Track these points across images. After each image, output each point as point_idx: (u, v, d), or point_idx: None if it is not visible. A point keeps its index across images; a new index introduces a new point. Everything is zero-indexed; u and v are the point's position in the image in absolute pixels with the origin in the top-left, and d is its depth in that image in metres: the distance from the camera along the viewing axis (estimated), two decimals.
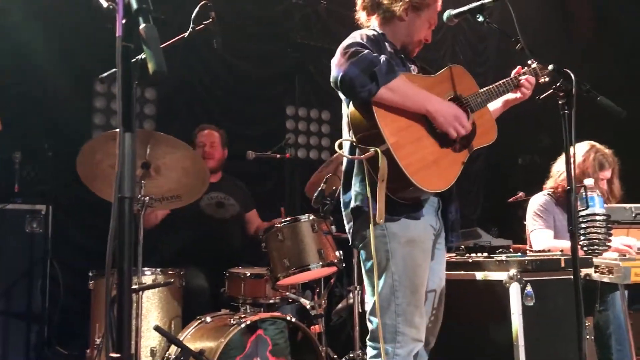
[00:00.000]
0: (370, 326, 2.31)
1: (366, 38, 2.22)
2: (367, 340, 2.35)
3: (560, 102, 1.98)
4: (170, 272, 3.46)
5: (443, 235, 2.42)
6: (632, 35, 6.87)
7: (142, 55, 1.28)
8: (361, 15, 2.47)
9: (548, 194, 3.63)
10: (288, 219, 3.27)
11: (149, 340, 3.28)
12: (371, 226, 2.13)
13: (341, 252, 3.25)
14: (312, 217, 3.24)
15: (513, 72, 2.52)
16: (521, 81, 2.48)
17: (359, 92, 2.06)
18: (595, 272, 2.91)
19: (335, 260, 3.19)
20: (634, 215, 4.18)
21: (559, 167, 3.61)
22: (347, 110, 2.23)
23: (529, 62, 2.51)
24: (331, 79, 2.14)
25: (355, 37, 2.22)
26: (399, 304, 2.22)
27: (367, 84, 2.05)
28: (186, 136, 3.86)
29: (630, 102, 2.51)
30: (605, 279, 2.88)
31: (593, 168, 3.45)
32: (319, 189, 3.25)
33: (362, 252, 2.33)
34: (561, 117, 2.04)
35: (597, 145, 3.55)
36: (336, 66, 2.11)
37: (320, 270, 3.20)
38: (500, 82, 2.44)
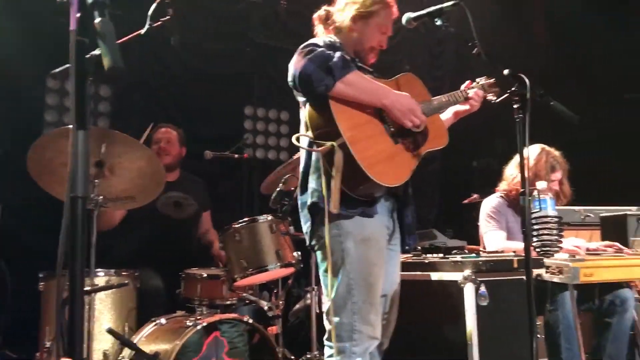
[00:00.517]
0: (327, 326, 2.33)
1: (323, 42, 2.30)
2: (324, 340, 2.36)
3: (515, 107, 2.02)
4: (124, 273, 3.38)
5: (397, 237, 2.48)
6: (586, 43, 7.11)
7: (97, 51, 1.25)
8: (318, 29, 2.55)
9: (501, 196, 3.71)
10: (245, 219, 3.24)
11: (102, 343, 3.21)
12: (326, 223, 2.17)
13: (299, 252, 3.25)
14: (270, 217, 3.23)
15: (462, 86, 2.65)
16: (469, 94, 2.61)
17: (316, 87, 2.12)
18: (547, 272, 2.98)
19: (293, 261, 3.20)
20: (582, 217, 4.33)
21: (511, 170, 3.69)
22: (305, 111, 2.27)
23: (477, 79, 2.68)
24: (289, 78, 2.21)
25: (312, 40, 2.32)
26: (355, 302, 2.25)
27: (323, 78, 2.10)
28: (142, 135, 3.79)
29: (582, 106, 2.59)
30: (556, 279, 2.95)
31: (545, 170, 3.54)
32: (278, 189, 3.25)
33: (318, 252, 2.36)
34: (515, 121, 2.09)
35: (548, 148, 3.65)
36: (293, 65, 2.18)
37: (278, 271, 3.19)
38: (450, 93, 2.56)
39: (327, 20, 2.50)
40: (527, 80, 2.00)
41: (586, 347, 3.26)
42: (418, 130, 2.29)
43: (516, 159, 3.68)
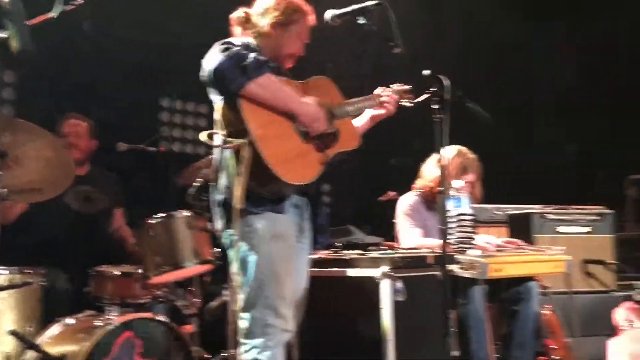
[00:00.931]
0: (241, 323, 2.35)
1: (240, 42, 2.34)
2: (239, 338, 2.36)
3: (434, 107, 2.08)
4: (28, 271, 3.19)
5: (307, 235, 2.54)
6: (500, 44, 7.42)
7: (4, 33, 1.15)
8: (236, 31, 2.55)
9: (417, 194, 3.80)
10: (161, 215, 3.15)
11: (3, 345, 3.02)
12: (236, 219, 2.21)
13: (218, 249, 3.19)
14: (187, 213, 3.15)
15: (376, 91, 2.75)
16: (382, 99, 2.73)
17: (229, 84, 2.17)
18: (459, 268, 3.08)
19: (211, 258, 3.14)
20: (491, 214, 4.53)
21: (427, 169, 3.79)
22: (218, 107, 2.33)
23: (391, 85, 2.79)
24: (204, 74, 2.23)
25: (229, 39, 2.35)
26: (267, 296, 2.29)
27: (237, 77, 2.15)
28: (49, 124, 3.58)
29: (496, 108, 2.69)
30: (467, 275, 3.06)
31: (457, 171, 3.64)
32: (196, 184, 3.15)
33: (229, 249, 2.36)
34: (434, 121, 2.15)
35: (463, 150, 3.76)
36: (208, 61, 2.20)
37: (195, 268, 3.13)
38: (364, 97, 2.67)
39: (246, 22, 2.52)
40: (446, 82, 2.06)
41: (495, 337, 3.42)
42: (327, 131, 2.39)
43: (433, 158, 3.77)
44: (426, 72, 2.15)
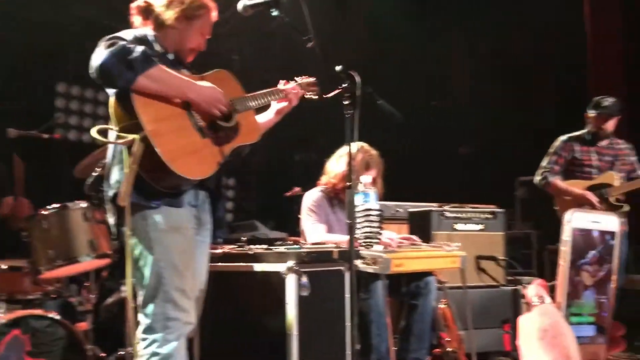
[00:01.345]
0: (141, 318, 2.31)
1: (132, 35, 2.28)
2: (138, 334, 2.28)
3: (345, 103, 2.09)
4: None
5: (207, 229, 2.49)
6: (402, 50, 7.65)
7: None
8: (136, 20, 2.47)
9: (321, 190, 3.81)
10: (55, 206, 2.97)
11: None
12: (128, 214, 2.15)
13: (116, 242, 3.05)
14: (83, 204, 3.00)
15: (279, 84, 2.73)
16: (287, 92, 2.73)
17: (117, 80, 2.12)
18: (362, 263, 3.14)
19: (109, 252, 3.00)
20: (393, 211, 4.66)
21: (332, 165, 3.81)
22: (111, 102, 2.25)
23: (296, 78, 2.78)
24: (91, 70, 2.15)
25: (119, 33, 2.27)
26: (167, 290, 2.25)
27: (124, 72, 2.10)
28: None
29: (398, 103, 2.75)
30: (370, 270, 3.12)
31: (360, 167, 3.70)
32: (95, 174, 3.01)
33: (127, 244, 2.28)
34: (345, 117, 2.16)
35: (366, 146, 3.82)
36: (94, 57, 2.14)
37: (91, 262, 2.98)
38: (266, 90, 2.65)
39: (146, 12, 2.44)
40: (357, 78, 2.08)
41: (395, 330, 3.52)
42: (228, 124, 2.35)
43: (337, 153, 3.81)
44: (338, 67, 2.16)
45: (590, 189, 4.25)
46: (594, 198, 4.17)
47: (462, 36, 8.40)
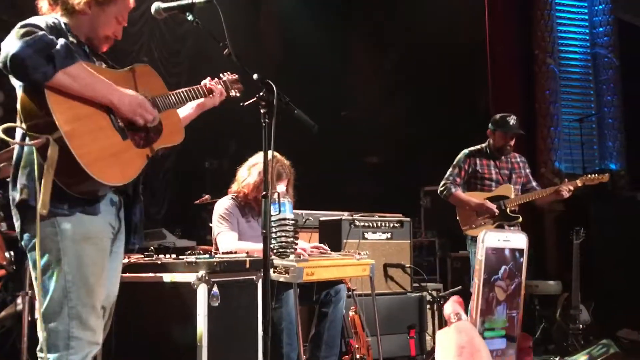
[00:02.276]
0: (40, 335, 2.09)
1: (45, 24, 2.07)
2: (37, 352, 2.11)
3: (261, 111, 2.07)
4: None
5: (122, 237, 2.33)
6: (313, 62, 7.73)
7: None
8: (43, 5, 2.27)
9: (232, 197, 3.77)
10: None
11: None
12: (37, 221, 1.94)
13: (12, 252, 2.86)
14: None
15: (203, 82, 2.61)
16: (211, 89, 2.60)
17: (31, 73, 1.91)
18: (274, 272, 3.13)
19: (4, 263, 2.80)
20: (304, 220, 4.68)
21: (242, 173, 3.79)
22: (18, 97, 2.03)
23: (221, 74, 2.67)
24: None
25: (32, 19, 2.07)
26: (73, 306, 2.08)
27: (41, 65, 1.91)
28: None
29: (309, 113, 2.74)
30: (282, 279, 3.12)
31: (272, 176, 3.70)
32: None
33: (31, 253, 2.11)
34: (256, 124, 2.14)
35: (278, 156, 3.82)
36: (6, 46, 1.93)
37: None
38: (190, 88, 2.51)
39: None
40: (274, 87, 2.07)
41: (304, 338, 3.53)
42: (151, 125, 2.21)
43: (249, 162, 3.79)
44: (255, 76, 2.14)
45: (489, 200, 4.49)
46: (492, 206, 4.40)
47: (371, 48, 8.64)
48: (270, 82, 2.14)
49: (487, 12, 7.17)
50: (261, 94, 2.12)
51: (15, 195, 2.10)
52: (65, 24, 2.19)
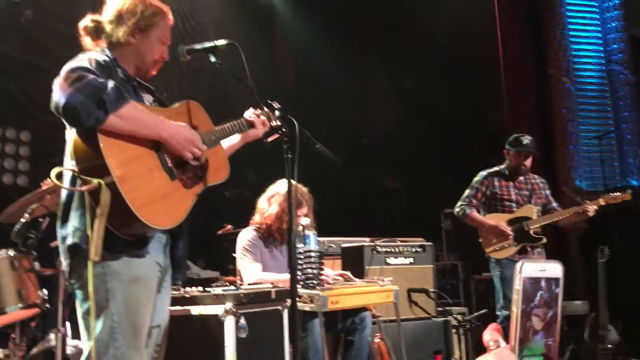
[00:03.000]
0: None
1: (95, 63, 2.06)
2: None
3: (284, 147, 2.13)
4: None
5: (169, 271, 2.34)
6: (329, 93, 7.84)
7: None
8: (86, 41, 2.28)
9: (255, 229, 3.82)
10: None
11: None
12: (89, 263, 1.97)
13: (45, 290, 2.93)
14: (11, 252, 2.86)
15: (246, 112, 2.57)
16: (254, 122, 2.53)
17: (85, 120, 1.92)
18: (299, 302, 3.16)
19: (38, 301, 2.86)
20: (326, 247, 4.71)
21: (262, 204, 3.85)
22: (70, 138, 2.05)
23: (263, 107, 2.60)
24: (52, 105, 1.95)
25: (82, 60, 2.06)
26: (119, 347, 2.07)
27: (93, 111, 1.91)
28: None
29: (328, 141, 2.76)
30: (307, 308, 3.15)
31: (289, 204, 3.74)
32: (22, 220, 2.88)
33: (78, 292, 2.13)
34: (272, 152, 2.17)
35: (297, 184, 3.87)
36: (58, 93, 1.94)
37: (19, 312, 2.83)
38: (234, 122, 2.48)
39: (96, 32, 2.25)
40: (296, 123, 2.13)
41: None
42: (198, 162, 2.21)
43: (269, 192, 3.85)
44: (277, 112, 2.20)
45: (511, 222, 4.48)
46: (506, 228, 4.39)
47: (385, 73, 8.72)
48: (292, 118, 2.20)
49: (500, 34, 7.23)
50: (283, 129, 2.17)
51: (67, 237, 2.09)
52: (113, 58, 2.20)
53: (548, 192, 4.71)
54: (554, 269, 0.82)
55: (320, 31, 7.99)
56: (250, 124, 2.52)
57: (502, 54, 7.15)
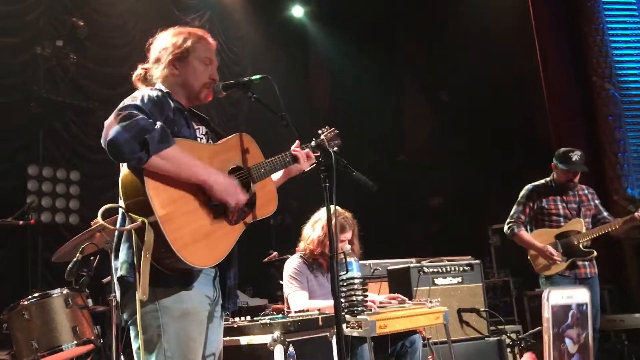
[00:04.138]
0: None
1: (147, 99, 2.12)
2: None
3: (321, 175, 2.14)
4: None
5: (220, 302, 2.34)
6: (364, 111, 7.86)
7: None
8: (141, 87, 2.33)
9: (301, 256, 3.84)
10: (36, 295, 2.92)
11: None
12: (137, 301, 2.01)
13: (98, 327, 3.01)
14: (65, 291, 2.95)
15: (293, 147, 2.56)
16: (298, 156, 2.51)
17: (128, 159, 1.97)
18: (347, 327, 3.14)
19: (92, 337, 2.94)
20: (372, 270, 4.68)
21: (307, 230, 3.86)
22: (121, 171, 2.09)
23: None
24: (102, 140, 2.00)
25: (135, 97, 2.12)
26: None
27: (136, 151, 1.95)
28: None
29: (364, 167, 2.76)
30: (355, 333, 3.12)
31: (335, 230, 3.73)
32: (74, 259, 2.97)
33: (131, 327, 2.18)
34: (316, 182, 2.18)
35: (340, 209, 3.87)
36: (106, 128, 1.99)
37: (75, 349, 2.91)
38: (281, 155, 2.48)
39: (145, 78, 2.33)
40: (332, 151, 2.14)
41: None
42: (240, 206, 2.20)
43: (313, 219, 3.86)
44: (313, 142, 2.22)
45: (559, 236, 4.34)
46: (553, 252, 4.25)
47: (422, 89, 8.69)
48: (329, 148, 2.21)
49: (537, 43, 7.13)
50: (320, 158, 2.19)
51: (117, 269, 2.15)
52: (166, 91, 2.24)
53: (597, 201, 4.55)
54: (581, 295, 0.80)
55: (352, 49, 8.04)
56: (295, 158, 2.51)
57: (541, 63, 7.04)
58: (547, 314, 0.84)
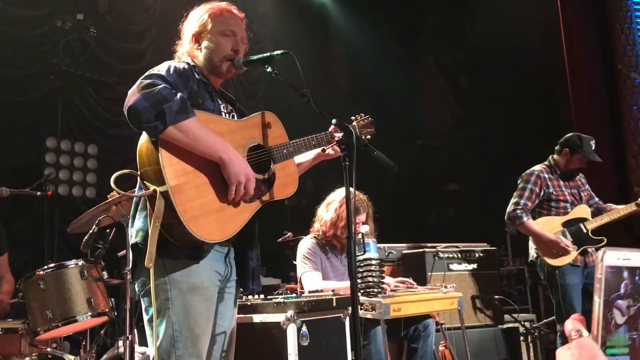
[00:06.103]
0: None
1: (173, 70, 2.11)
2: None
3: (342, 155, 2.10)
4: None
5: (233, 279, 2.33)
6: (383, 95, 7.78)
7: None
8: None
9: (315, 236, 3.82)
10: (52, 265, 2.93)
11: None
12: (151, 272, 2.00)
13: (113, 299, 3.02)
14: (81, 262, 2.96)
15: (331, 128, 2.45)
16: (335, 137, 2.41)
17: (145, 127, 1.97)
18: (361, 309, 3.13)
19: (107, 309, 2.95)
20: (387, 253, 4.65)
21: (321, 211, 3.83)
22: (140, 139, 2.08)
23: (352, 117, 2.58)
24: (124, 107, 1.99)
25: (160, 68, 2.12)
26: (180, 355, 2.10)
27: (152, 120, 1.94)
28: None
29: (384, 143, 2.70)
30: (369, 315, 3.11)
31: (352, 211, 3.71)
32: (90, 231, 2.98)
33: (143, 299, 2.19)
34: (342, 167, 2.12)
35: (354, 191, 3.81)
36: (129, 95, 1.98)
37: (89, 321, 2.93)
38: (313, 135, 2.42)
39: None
40: (353, 130, 2.10)
41: None
42: (260, 176, 2.19)
43: (327, 200, 3.84)
44: (334, 120, 2.18)
45: (566, 223, 4.16)
46: (567, 244, 4.04)
47: (442, 72, 8.59)
48: (349, 125, 2.17)
49: (563, 29, 6.99)
50: (341, 137, 2.15)
51: (132, 235, 2.16)
52: (193, 65, 2.24)
53: (588, 186, 4.39)
54: (639, 258, 0.77)
55: (373, 30, 7.95)
56: (330, 139, 2.43)
57: (566, 48, 6.91)
58: (600, 274, 0.82)
